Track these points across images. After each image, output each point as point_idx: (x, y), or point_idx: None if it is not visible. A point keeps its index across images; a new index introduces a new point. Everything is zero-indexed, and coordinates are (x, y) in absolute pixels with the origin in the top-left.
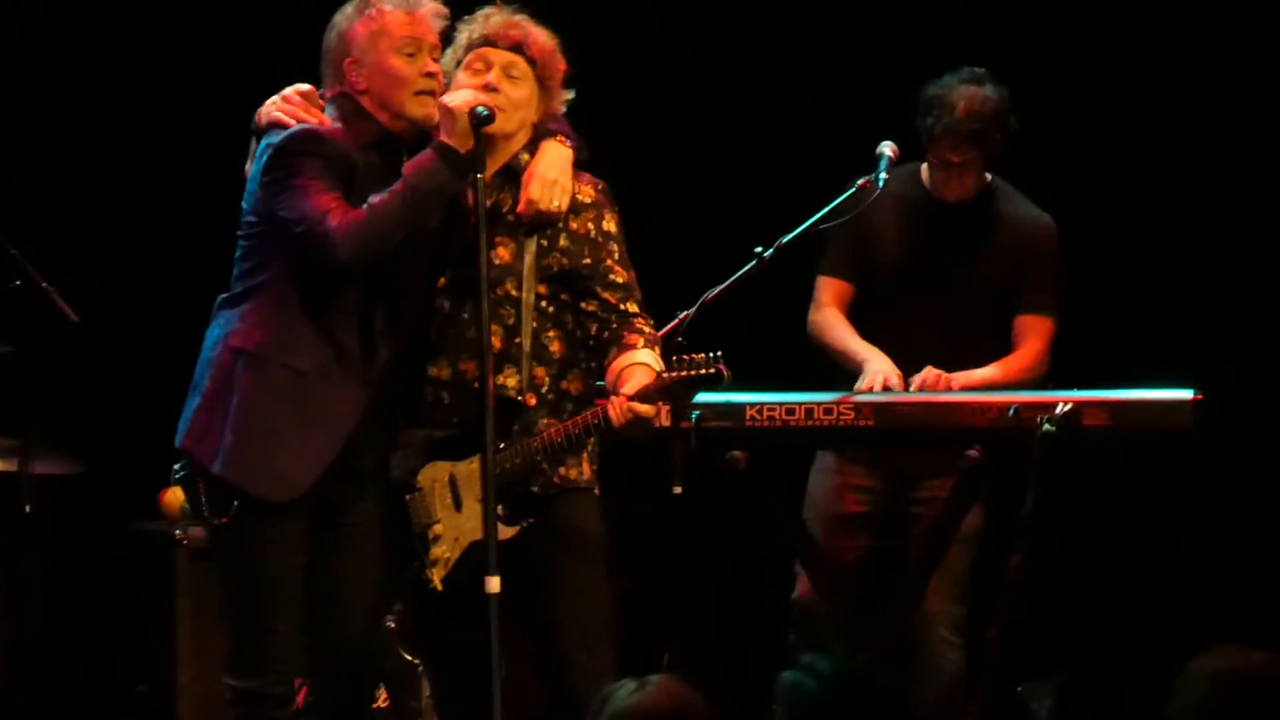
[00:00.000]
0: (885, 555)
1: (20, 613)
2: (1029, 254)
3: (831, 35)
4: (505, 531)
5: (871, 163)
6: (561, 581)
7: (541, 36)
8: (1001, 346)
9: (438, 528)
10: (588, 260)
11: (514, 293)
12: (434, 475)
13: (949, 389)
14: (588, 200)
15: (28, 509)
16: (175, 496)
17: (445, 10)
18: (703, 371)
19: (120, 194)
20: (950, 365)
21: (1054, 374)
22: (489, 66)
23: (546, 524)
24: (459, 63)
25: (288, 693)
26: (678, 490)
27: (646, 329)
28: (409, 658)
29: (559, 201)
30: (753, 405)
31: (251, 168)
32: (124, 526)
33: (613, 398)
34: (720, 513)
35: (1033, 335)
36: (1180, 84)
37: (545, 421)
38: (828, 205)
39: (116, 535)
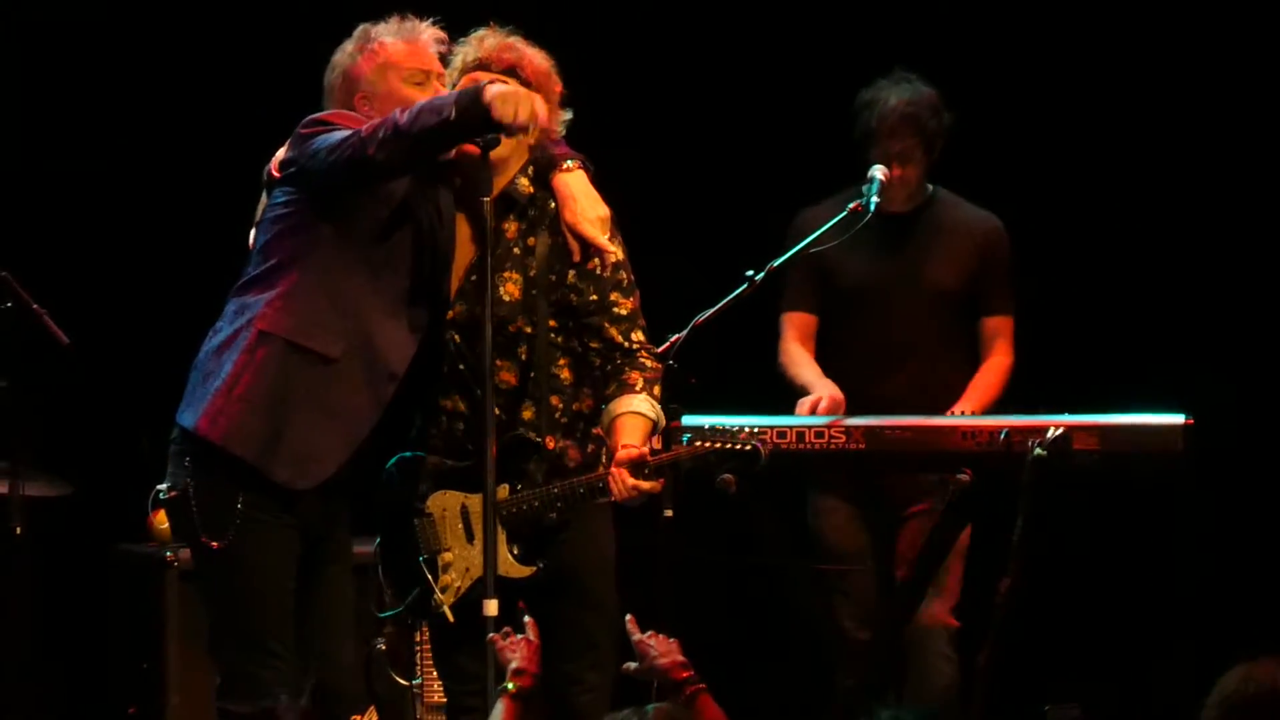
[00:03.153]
0: (877, 576)
1: (9, 634)
2: (982, 255)
3: (821, 57)
4: (519, 570)
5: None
6: (574, 597)
7: (536, 58)
8: (967, 349)
9: (447, 555)
10: (594, 296)
11: (526, 329)
12: (444, 503)
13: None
14: None
15: (18, 530)
16: (165, 519)
17: (444, 35)
18: (737, 448)
19: (113, 217)
20: (922, 374)
21: (1045, 398)
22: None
23: (563, 537)
24: (454, 85)
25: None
26: (668, 514)
27: (649, 363)
28: (400, 680)
29: (607, 232)
30: (744, 430)
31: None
32: (113, 548)
33: (615, 472)
34: (711, 536)
35: (1000, 337)
36: (1169, 101)
37: (564, 443)
38: (800, 237)
39: (106, 557)
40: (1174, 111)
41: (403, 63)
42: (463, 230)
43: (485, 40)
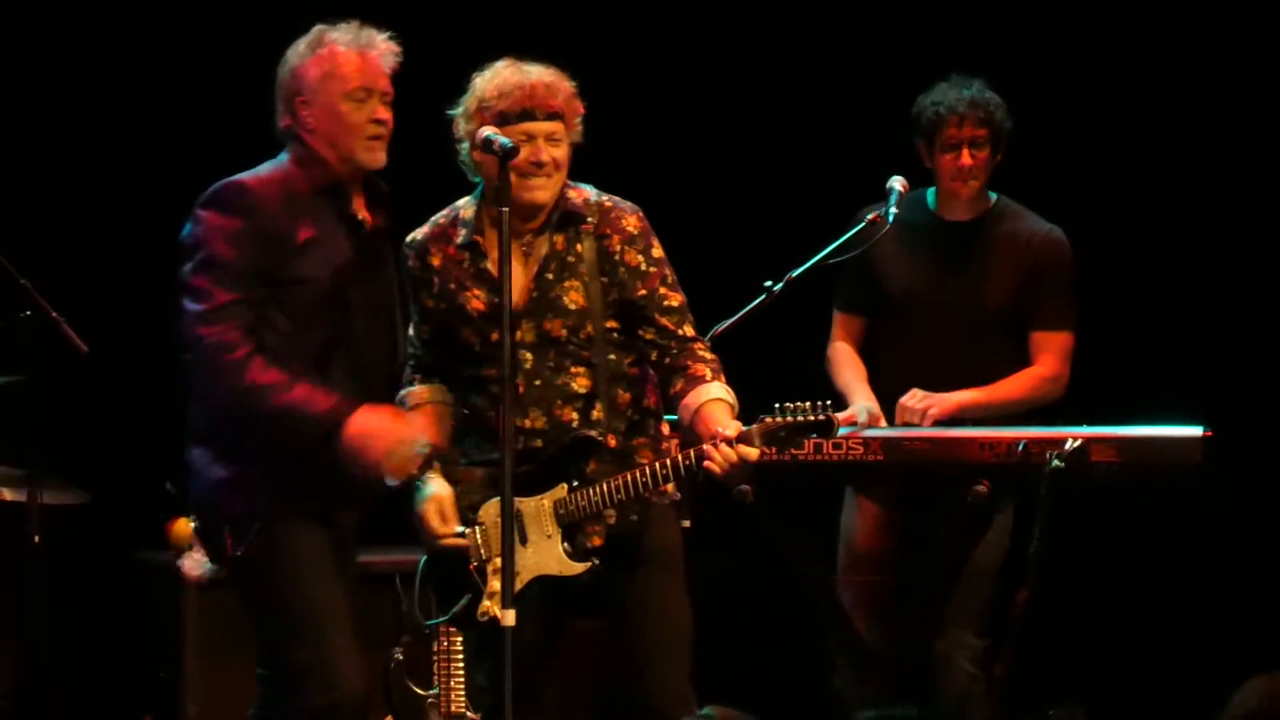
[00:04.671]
0: (905, 588)
1: (28, 643)
2: (1041, 269)
3: (842, 68)
4: (573, 568)
5: (881, 195)
6: (645, 598)
7: (567, 89)
8: (1020, 365)
9: (499, 561)
10: (643, 291)
11: (592, 333)
12: (497, 511)
13: (926, 414)
14: (635, 231)
15: (36, 539)
16: (184, 527)
17: (398, 49)
18: (811, 419)
19: (130, 225)
20: (969, 386)
21: (1062, 409)
22: (531, 138)
23: (631, 538)
24: (468, 114)
25: (361, 706)
26: (687, 524)
27: (708, 355)
28: (417, 690)
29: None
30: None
31: None
32: (131, 557)
33: (716, 444)
34: (730, 546)
35: (1046, 351)
36: (1186, 111)
37: (637, 440)
38: (838, 239)
39: (124, 566)
40: (1191, 120)
41: (349, 76)
42: (515, 253)
43: (524, 84)
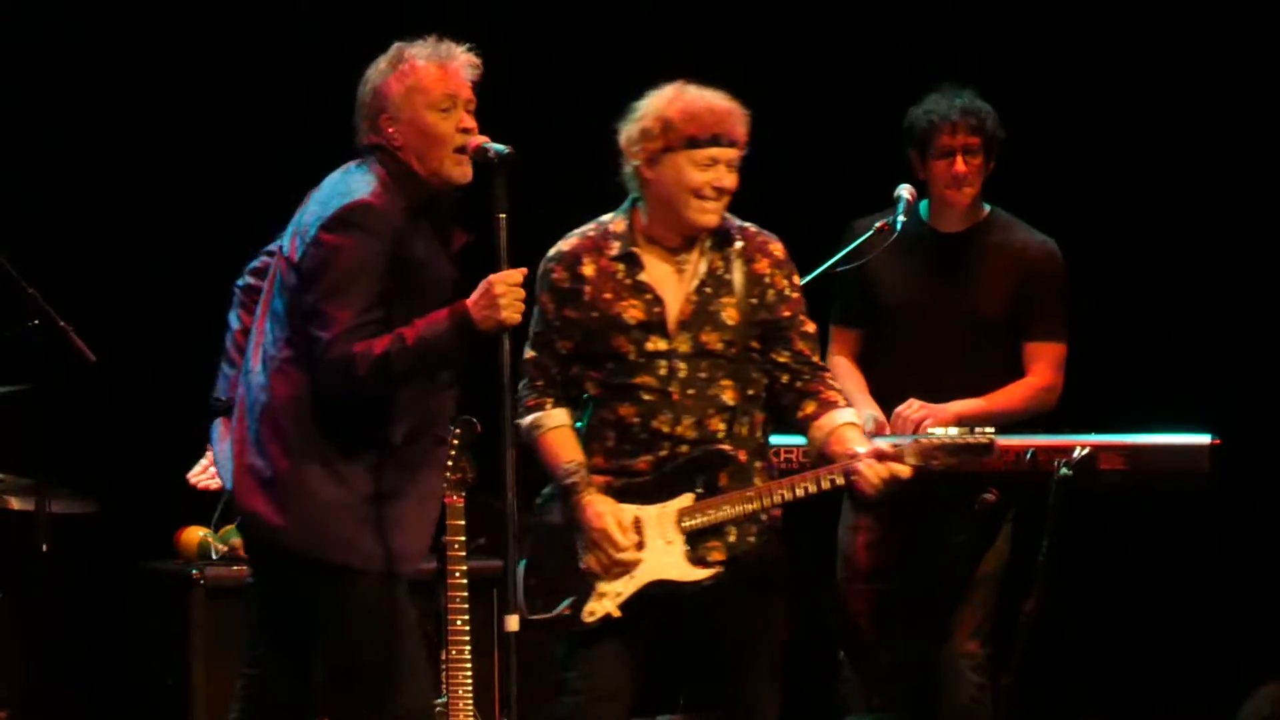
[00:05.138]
0: (907, 597)
1: (36, 650)
2: (1034, 281)
3: (845, 79)
4: (694, 574)
5: (888, 203)
6: (753, 619)
7: (745, 117)
8: (1014, 375)
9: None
10: (787, 314)
11: (741, 349)
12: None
13: (923, 425)
14: (781, 256)
15: (44, 548)
16: (191, 536)
17: (478, 61)
18: (970, 441)
19: (138, 233)
20: (965, 397)
21: (1070, 418)
22: (715, 163)
23: (750, 557)
24: (649, 134)
25: None
26: None
27: (836, 384)
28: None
29: None
30: (770, 447)
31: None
32: (139, 565)
33: (867, 460)
34: None
35: (1040, 361)
36: (1189, 119)
37: (761, 464)
38: (842, 249)
39: (132, 574)
40: (1197, 128)
41: (432, 87)
42: (664, 266)
43: (711, 108)
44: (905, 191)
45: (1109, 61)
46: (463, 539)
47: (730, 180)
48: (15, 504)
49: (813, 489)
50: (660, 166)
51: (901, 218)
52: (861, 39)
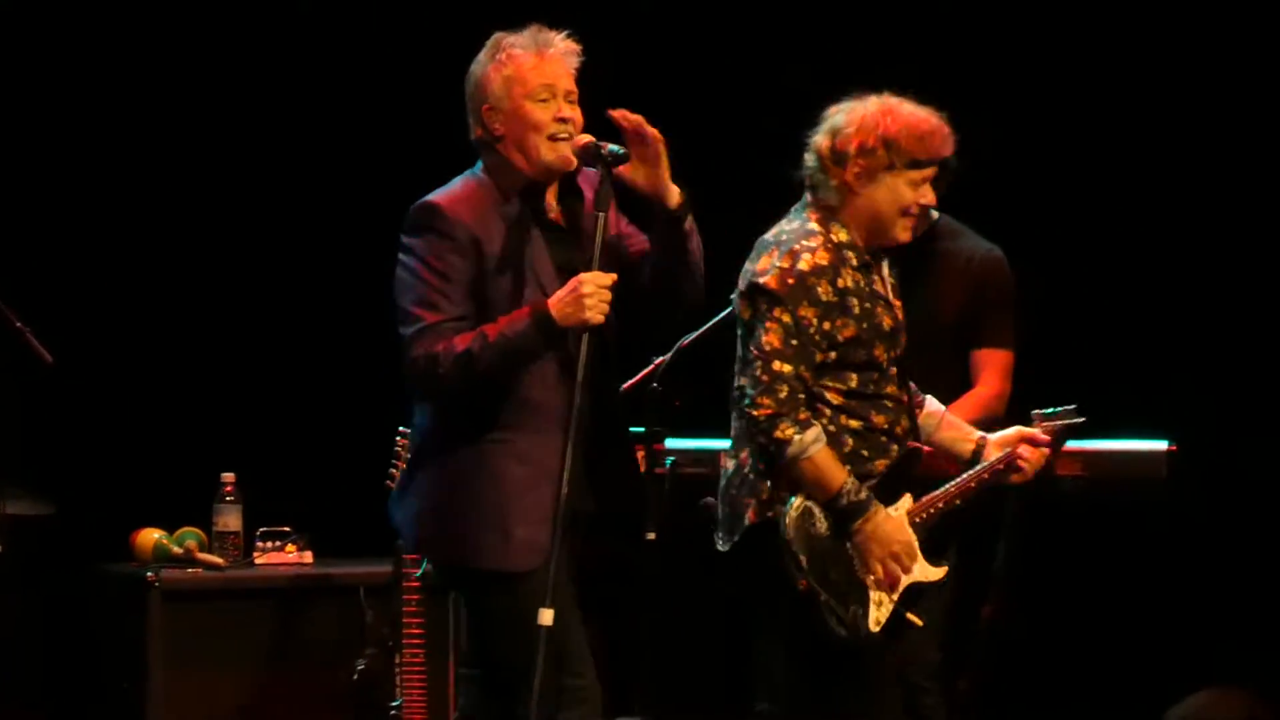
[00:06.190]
0: None
1: None
2: (983, 288)
3: (776, 87)
4: (935, 573)
5: None
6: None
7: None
8: (965, 382)
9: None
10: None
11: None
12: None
13: None
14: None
15: (0, 549)
16: (147, 538)
17: (578, 48)
18: (1074, 422)
19: (96, 235)
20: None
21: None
22: (925, 181)
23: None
24: (866, 150)
25: None
26: (651, 537)
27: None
28: (382, 703)
29: None
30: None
31: None
32: (96, 568)
33: (1027, 449)
34: (694, 559)
35: (988, 369)
36: (1139, 121)
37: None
38: None
39: (88, 576)
40: (1151, 132)
41: (529, 77)
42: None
43: (937, 129)
44: None
45: (1059, 67)
46: None
47: (932, 196)
48: None
49: (986, 477)
50: (876, 184)
51: None
52: (789, 43)
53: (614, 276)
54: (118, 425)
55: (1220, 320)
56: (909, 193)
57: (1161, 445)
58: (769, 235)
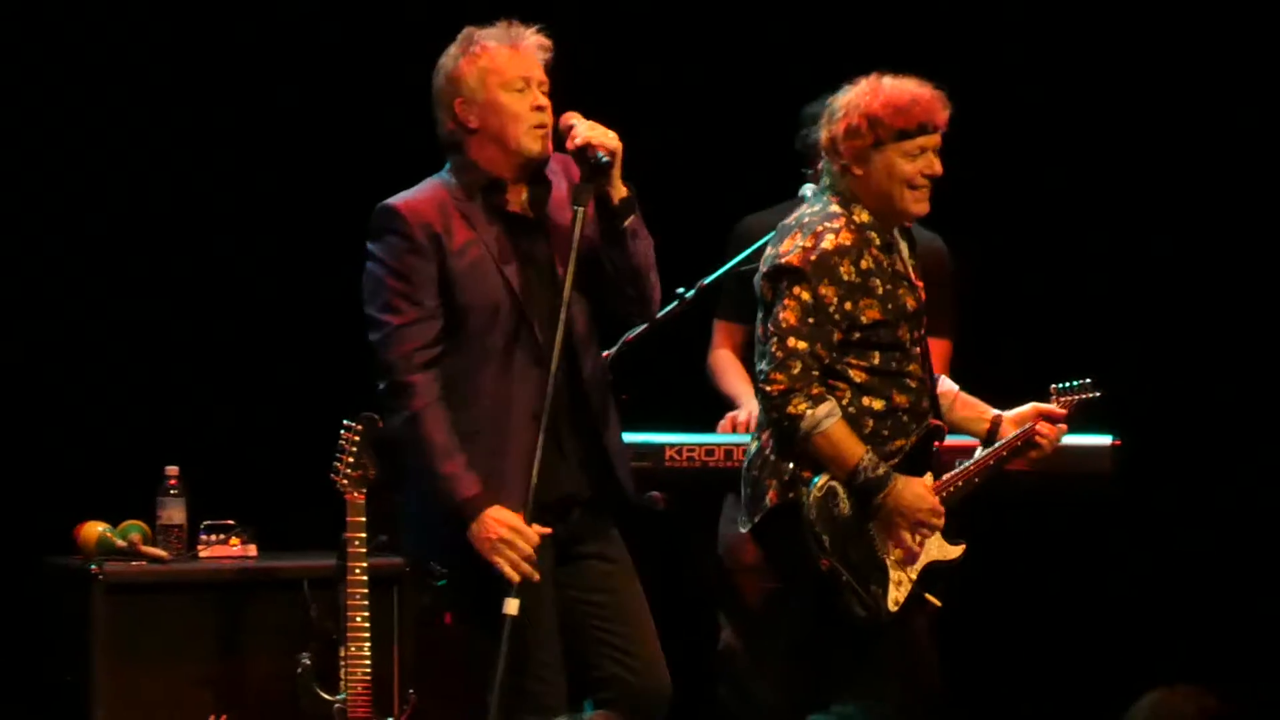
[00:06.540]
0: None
1: None
2: (926, 278)
3: (742, 65)
4: (952, 551)
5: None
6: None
7: (947, 100)
8: None
9: (897, 552)
10: (925, 298)
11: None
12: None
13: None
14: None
15: None
16: (91, 531)
17: (548, 43)
18: (1091, 395)
19: (44, 230)
20: None
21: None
22: (924, 151)
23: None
24: (854, 131)
25: None
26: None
27: None
28: (324, 696)
29: None
30: (672, 446)
31: None
32: (38, 560)
33: (1045, 425)
34: (639, 553)
35: (933, 358)
36: (1087, 117)
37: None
38: (745, 246)
39: (31, 569)
40: (1101, 124)
41: (505, 68)
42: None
43: (935, 100)
44: (809, 191)
45: (1009, 61)
46: (364, 535)
47: (938, 166)
48: None
49: (1005, 454)
50: (870, 163)
51: None
52: (747, 34)
53: (538, 540)
54: (62, 417)
55: (1163, 314)
56: (906, 165)
57: (1106, 440)
58: (790, 220)
